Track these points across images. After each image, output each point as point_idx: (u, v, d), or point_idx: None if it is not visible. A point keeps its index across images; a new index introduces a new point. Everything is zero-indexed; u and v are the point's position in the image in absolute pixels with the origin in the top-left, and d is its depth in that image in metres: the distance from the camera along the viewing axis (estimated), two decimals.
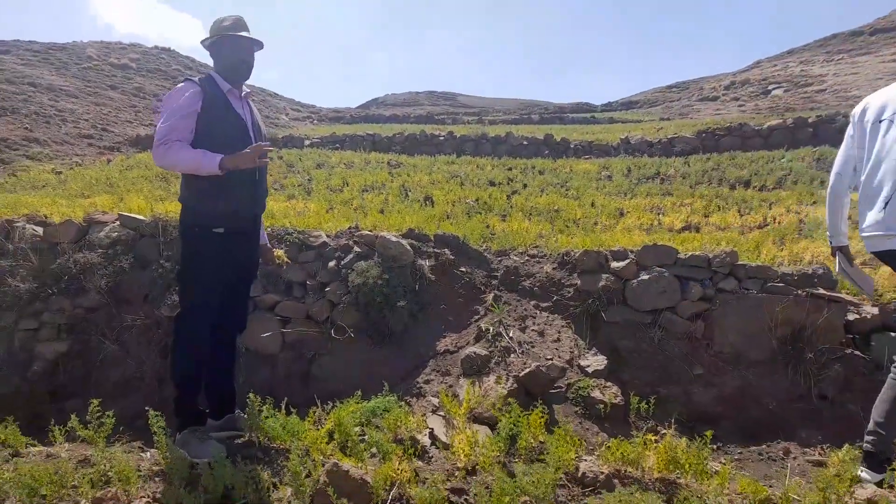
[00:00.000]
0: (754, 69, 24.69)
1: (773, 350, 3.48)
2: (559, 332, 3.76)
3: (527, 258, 4.42)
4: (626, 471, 2.22)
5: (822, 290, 3.53)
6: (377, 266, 3.90)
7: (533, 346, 3.59)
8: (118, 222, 4.30)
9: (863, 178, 2.36)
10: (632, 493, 1.95)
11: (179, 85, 2.37)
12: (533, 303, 4.04)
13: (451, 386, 3.34)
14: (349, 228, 4.48)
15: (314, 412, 2.72)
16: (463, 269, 4.24)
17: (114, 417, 2.32)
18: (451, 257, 4.26)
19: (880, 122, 2.31)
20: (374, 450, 2.36)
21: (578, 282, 3.97)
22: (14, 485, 1.95)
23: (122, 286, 4.00)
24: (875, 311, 3.45)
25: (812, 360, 3.36)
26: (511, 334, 3.63)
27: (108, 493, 1.98)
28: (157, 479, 2.19)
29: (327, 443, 2.38)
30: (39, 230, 4.24)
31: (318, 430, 2.47)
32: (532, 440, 2.45)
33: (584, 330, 3.76)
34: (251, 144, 2.39)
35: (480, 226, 5.18)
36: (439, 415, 2.91)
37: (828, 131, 10.67)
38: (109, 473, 2.11)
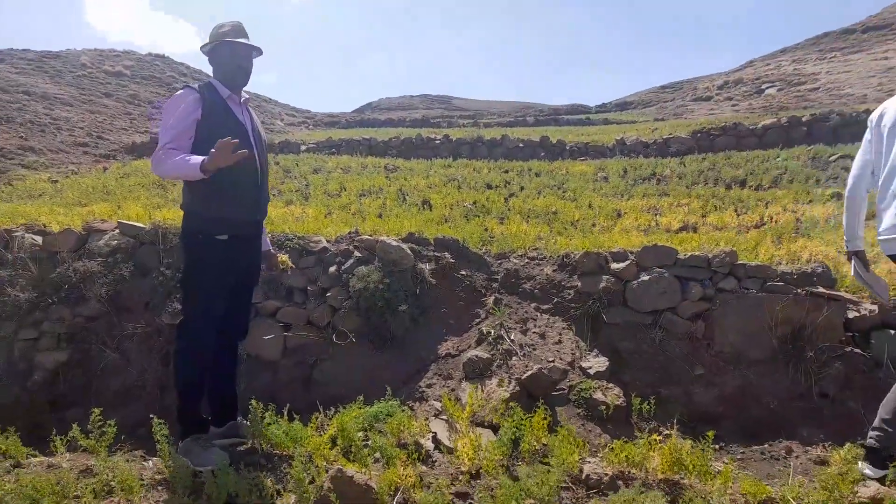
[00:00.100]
0: (747, 68, 24.83)
1: (773, 349, 3.50)
2: (560, 334, 3.77)
3: (526, 261, 4.42)
4: (629, 472, 2.23)
5: (821, 289, 3.55)
6: (378, 271, 3.90)
7: (534, 349, 3.59)
8: (117, 230, 4.29)
9: (880, 182, 2.37)
10: (636, 495, 1.95)
11: (179, 92, 2.37)
12: (533, 305, 4.04)
13: (453, 389, 3.34)
14: (349, 233, 4.48)
15: (317, 418, 2.71)
16: (463, 273, 4.25)
17: (115, 426, 2.32)
18: (452, 261, 4.27)
19: None
20: (377, 455, 2.36)
21: (579, 283, 3.98)
22: (16, 496, 1.94)
23: (123, 294, 3.98)
24: (874, 308, 3.47)
25: (812, 358, 3.37)
26: (512, 337, 3.63)
27: (110, 503, 1.98)
28: (160, 487, 2.18)
29: (330, 448, 2.38)
30: (38, 239, 4.22)
31: (320, 435, 2.46)
32: (535, 443, 2.45)
33: (584, 331, 3.76)
34: (252, 150, 2.40)
35: (479, 229, 5.19)
36: (442, 419, 2.91)
37: (822, 130, 10.74)
38: (112, 483, 2.10)
